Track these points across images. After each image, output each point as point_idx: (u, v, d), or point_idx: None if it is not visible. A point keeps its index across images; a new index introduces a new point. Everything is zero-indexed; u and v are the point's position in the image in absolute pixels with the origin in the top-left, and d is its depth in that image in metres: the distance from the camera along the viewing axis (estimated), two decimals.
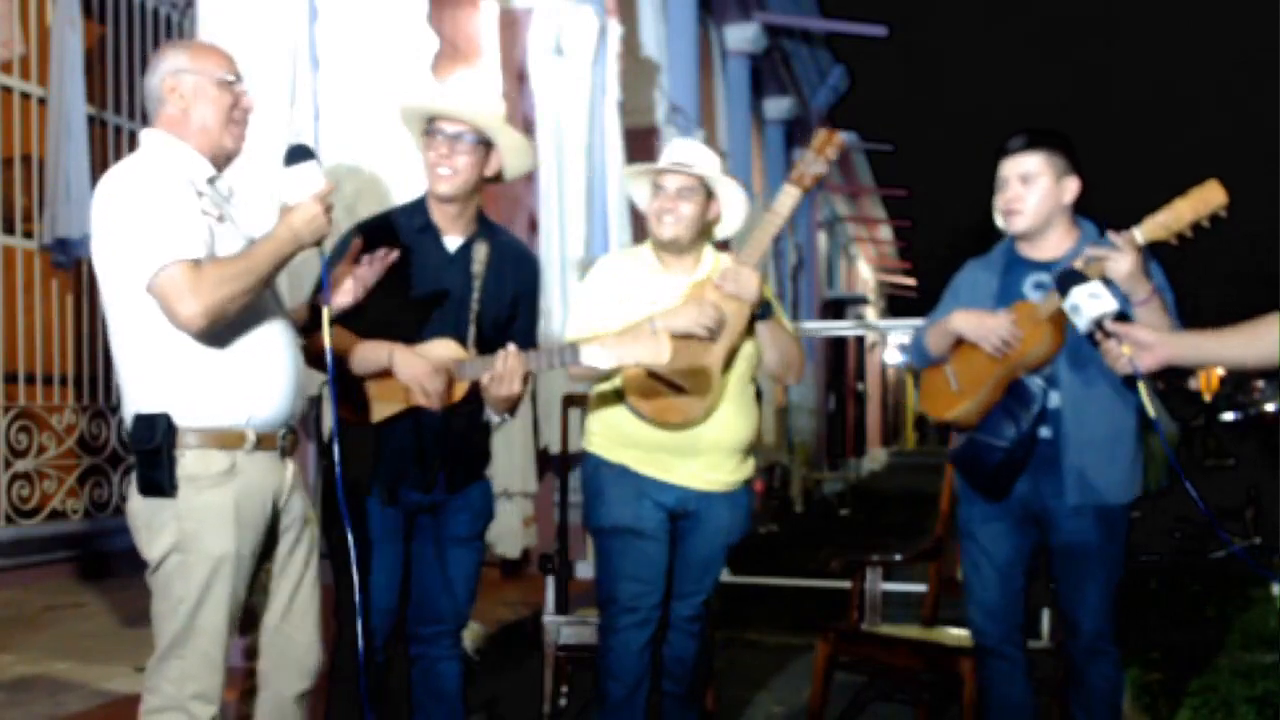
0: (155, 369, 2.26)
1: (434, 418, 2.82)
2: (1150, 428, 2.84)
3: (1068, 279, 2.53)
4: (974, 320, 2.97)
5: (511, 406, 2.90)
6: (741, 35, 11.55)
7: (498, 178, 2.98)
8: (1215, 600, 6.25)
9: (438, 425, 2.84)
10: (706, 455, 3.08)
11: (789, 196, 3.01)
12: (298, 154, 2.40)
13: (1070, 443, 2.90)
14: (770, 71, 13.28)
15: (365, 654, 2.76)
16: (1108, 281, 2.58)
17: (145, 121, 2.45)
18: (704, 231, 3.14)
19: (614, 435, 3.11)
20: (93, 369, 5.98)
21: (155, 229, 2.21)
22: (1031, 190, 2.94)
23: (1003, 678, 3.08)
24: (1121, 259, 2.69)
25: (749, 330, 3.07)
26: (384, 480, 2.84)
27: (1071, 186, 2.96)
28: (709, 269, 3.13)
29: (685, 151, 3.14)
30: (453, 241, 2.94)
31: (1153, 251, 2.81)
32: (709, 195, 3.11)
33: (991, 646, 3.08)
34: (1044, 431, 2.93)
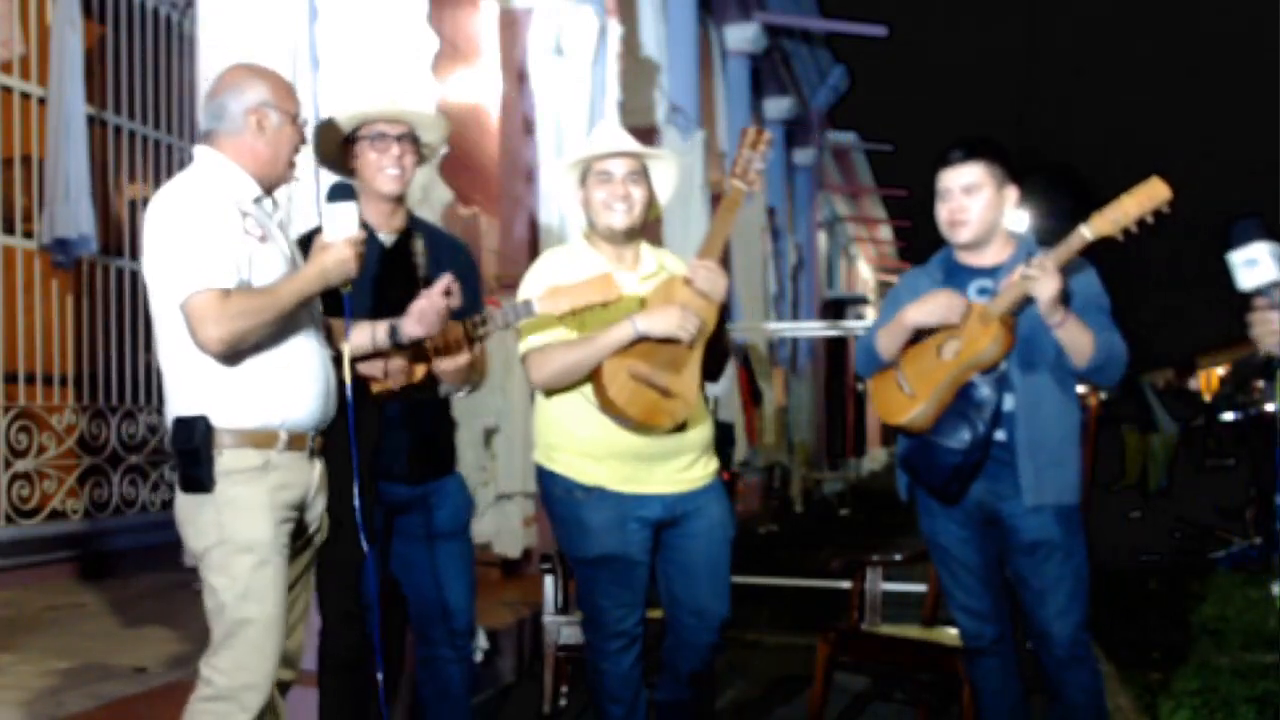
0: (193, 376, 2.38)
1: (397, 405, 2.84)
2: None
3: (1251, 230, 2.33)
4: (925, 304, 2.97)
5: (467, 378, 2.93)
6: (741, 35, 11.55)
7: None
8: (1215, 600, 6.25)
9: (402, 412, 2.87)
10: (685, 454, 3.01)
11: (738, 193, 3.01)
12: (338, 193, 2.45)
13: (1024, 444, 2.91)
14: (770, 71, 13.27)
15: (382, 648, 2.79)
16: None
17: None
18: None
19: (584, 449, 2.95)
20: (93, 369, 5.98)
21: (193, 254, 2.33)
22: (975, 200, 2.97)
23: (998, 674, 3.09)
24: (1047, 282, 2.78)
25: (716, 330, 3.02)
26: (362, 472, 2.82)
27: (1011, 195, 3.00)
28: (652, 265, 3.07)
29: (616, 136, 3.06)
30: (388, 238, 2.98)
31: (1095, 253, 2.86)
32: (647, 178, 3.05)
33: (985, 647, 3.08)
34: (999, 434, 2.93)
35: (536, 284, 2.98)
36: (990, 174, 2.97)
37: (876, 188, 21.01)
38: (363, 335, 2.74)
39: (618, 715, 3.03)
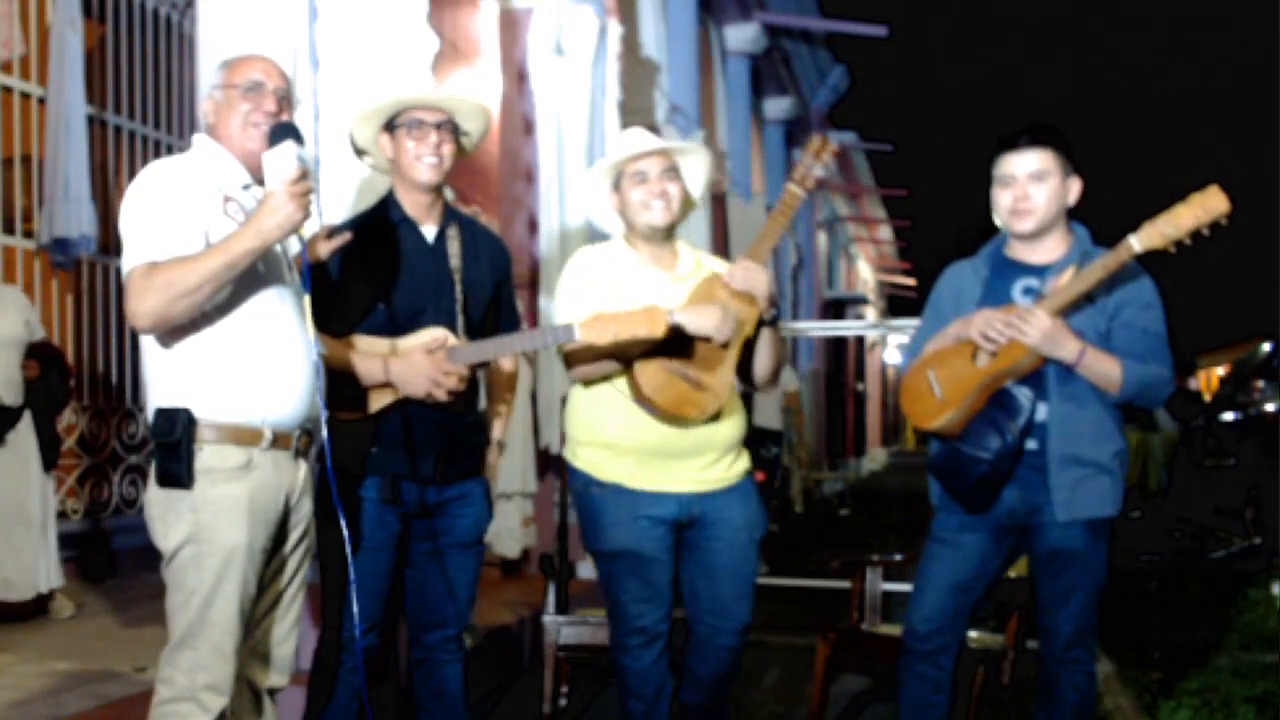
0: (177, 365, 2.31)
1: (427, 407, 2.78)
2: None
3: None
4: (973, 324, 2.86)
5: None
6: (741, 35, 11.55)
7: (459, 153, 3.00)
8: (1215, 600, 6.25)
9: (432, 415, 2.81)
10: (708, 453, 2.98)
11: (793, 197, 2.97)
12: (275, 134, 2.32)
13: (1057, 457, 2.80)
14: (770, 71, 13.28)
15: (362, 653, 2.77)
16: None
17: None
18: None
19: (607, 443, 2.95)
20: (93, 369, 5.98)
21: (139, 230, 2.28)
22: (1041, 190, 2.83)
23: (927, 685, 2.99)
24: (1031, 328, 2.71)
25: (755, 331, 3.00)
26: (385, 473, 2.80)
27: (1075, 187, 2.88)
28: (690, 264, 3.06)
29: (645, 136, 3.06)
30: (429, 231, 2.94)
31: (1146, 262, 2.76)
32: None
33: (926, 652, 2.97)
34: (1030, 444, 2.81)
35: (576, 293, 2.96)
36: (1058, 162, 2.84)
37: (876, 188, 21.01)
38: (372, 366, 2.74)
39: (638, 711, 3.02)
